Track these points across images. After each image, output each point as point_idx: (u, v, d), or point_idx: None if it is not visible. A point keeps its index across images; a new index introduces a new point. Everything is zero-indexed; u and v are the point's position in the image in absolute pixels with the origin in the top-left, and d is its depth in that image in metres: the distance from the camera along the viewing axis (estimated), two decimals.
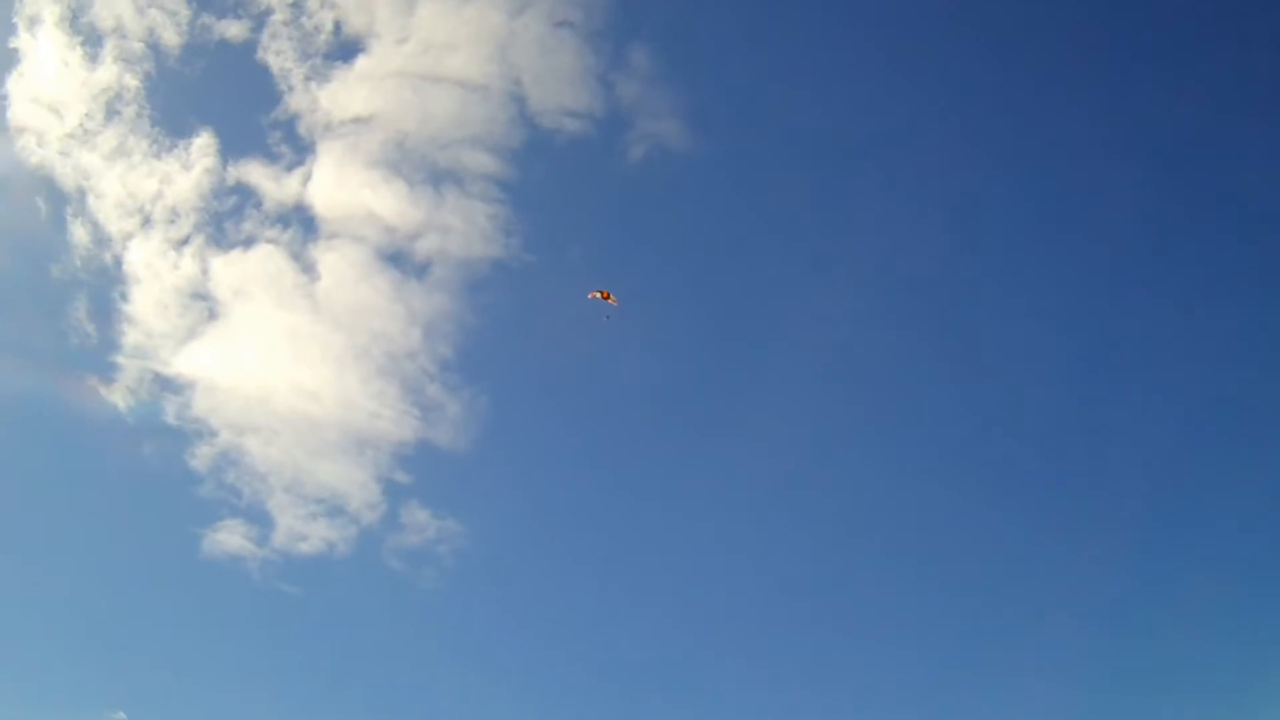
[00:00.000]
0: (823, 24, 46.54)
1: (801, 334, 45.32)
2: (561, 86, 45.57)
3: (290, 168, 46.48)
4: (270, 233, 46.49)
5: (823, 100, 45.44)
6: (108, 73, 47.20)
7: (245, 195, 46.59)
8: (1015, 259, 46.77)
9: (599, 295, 36.90)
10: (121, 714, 41.03)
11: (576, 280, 46.04)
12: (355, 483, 44.85)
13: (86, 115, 47.15)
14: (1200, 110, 44.25)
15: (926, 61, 45.46)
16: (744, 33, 46.06)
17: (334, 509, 44.73)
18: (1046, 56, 45.55)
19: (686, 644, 44.62)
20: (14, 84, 47.25)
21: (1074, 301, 46.47)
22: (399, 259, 46.03)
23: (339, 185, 45.95)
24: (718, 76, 45.76)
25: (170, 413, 45.75)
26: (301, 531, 44.67)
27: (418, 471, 45.17)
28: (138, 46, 47.20)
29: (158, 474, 47.00)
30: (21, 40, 47.61)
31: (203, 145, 46.82)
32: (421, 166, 45.95)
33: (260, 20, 46.82)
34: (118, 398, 46.03)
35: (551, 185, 46.52)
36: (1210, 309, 44.97)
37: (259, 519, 44.71)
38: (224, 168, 46.68)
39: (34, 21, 47.71)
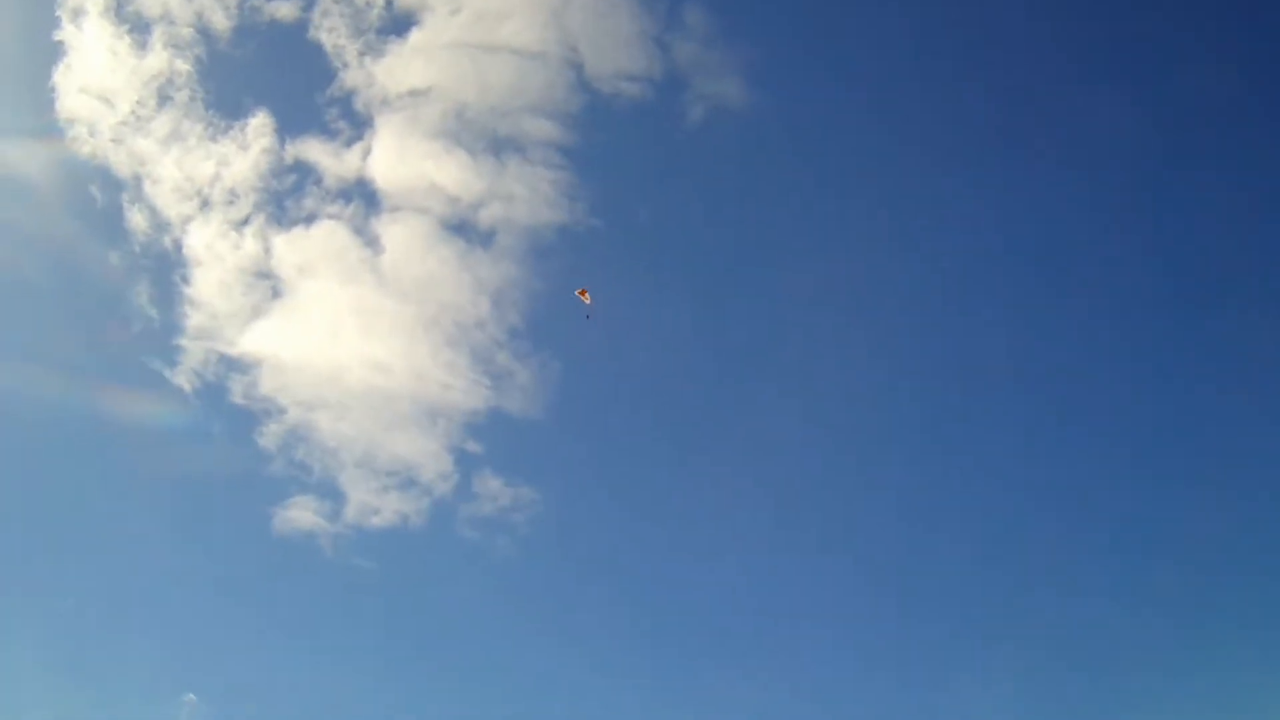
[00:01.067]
0: None
1: (865, 293, 45.43)
2: (617, 50, 45.94)
3: (349, 143, 46.61)
4: (332, 209, 46.57)
5: (879, 52, 45.33)
6: (158, 59, 47.20)
7: (305, 173, 46.64)
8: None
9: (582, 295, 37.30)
10: (192, 696, 40.88)
11: (642, 243, 46.57)
12: (427, 454, 44.81)
13: (138, 103, 47.10)
14: None
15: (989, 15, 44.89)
16: None
17: (406, 481, 44.60)
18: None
19: (766, 612, 44.42)
20: (61, 77, 47.08)
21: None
22: (463, 229, 46.19)
23: (399, 158, 46.11)
24: (772, 32, 46.04)
25: (237, 392, 45.59)
26: (374, 505, 44.55)
27: (490, 440, 45.13)
28: (186, 32, 47.21)
29: (226, 454, 46.69)
30: (66, 33, 47.39)
31: (259, 125, 46.90)
32: (482, 136, 46.19)
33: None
34: (183, 380, 45.91)
35: (613, 149, 46.83)
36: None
37: (331, 494, 44.54)
38: (282, 147, 46.74)
39: (78, 14, 47.54)
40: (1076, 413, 45.66)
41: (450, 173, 45.72)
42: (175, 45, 47.21)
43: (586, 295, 37.20)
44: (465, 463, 44.57)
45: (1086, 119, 45.48)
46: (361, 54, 46.55)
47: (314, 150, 46.61)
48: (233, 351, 45.62)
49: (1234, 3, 44.93)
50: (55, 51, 45.60)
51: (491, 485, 44.42)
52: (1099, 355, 45.74)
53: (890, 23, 46.45)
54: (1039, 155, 45.91)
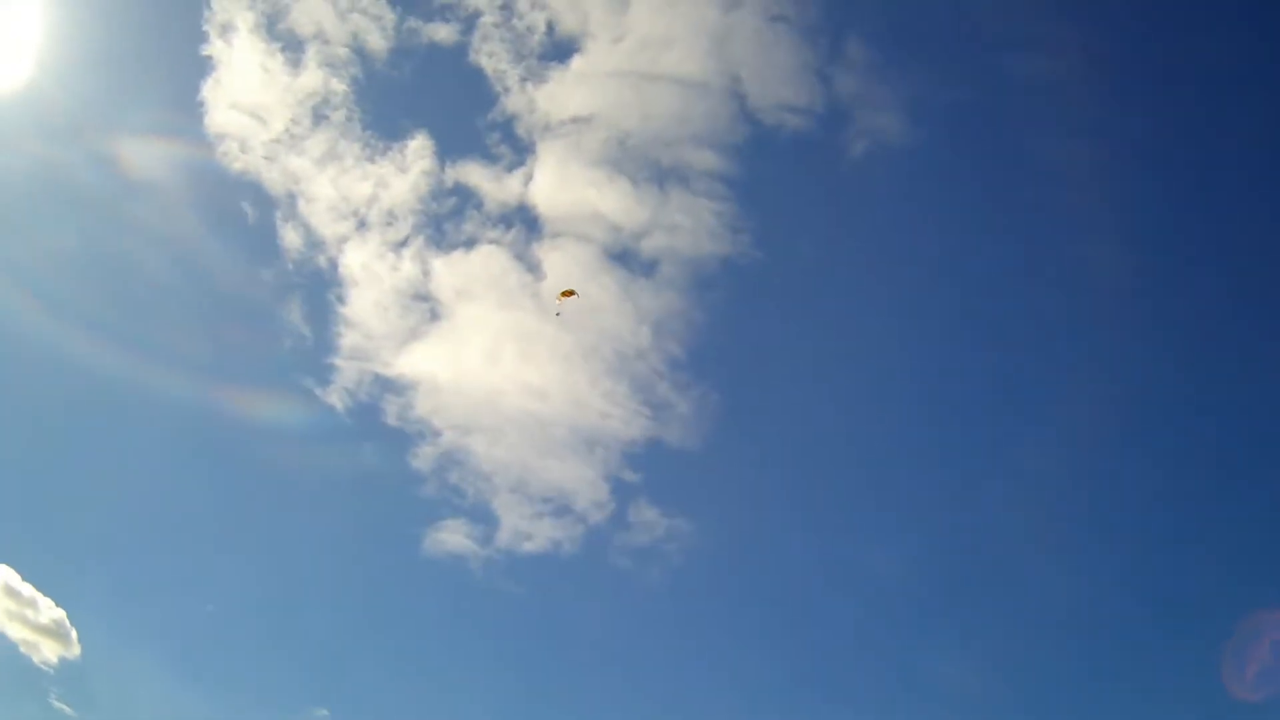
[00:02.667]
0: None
1: (1034, 325, 45.60)
2: (779, 81, 45.93)
3: (511, 168, 46.66)
4: (492, 233, 46.72)
5: (1042, 84, 45.32)
6: (312, 78, 47.09)
7: (465, 196, 46.71)
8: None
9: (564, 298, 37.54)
10: (325, 711, 41.39)
11: (806, 277, 46.74)
12: (583, 481, 45.16)
13: (292, 120, 47.06)
14: None
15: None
16: (960, 19, 45.95)
17: (561, 508, 44.94)
18: None
19: (921, 648, 44.40)
20: (210, 91, 47.03)
21: None
22: (625, 257, 46.33)
23: (561, 185, 46.17)
24: (936, 66, 45.93)
25: (391, 413, 45.93)
26: (526, 530, 44.93)
27: (647, 470, 45.41)
28: (342, 52, 47.09)
29: (377, 474, 47.18)
30: (215, 47, 47.24)
31: (418, 148, 46.91)
32: (645, 165, 46.25)
33: (469, 23, 46.82)
34: (335, 399, 46.23)
35: (776, 182, 46.79)
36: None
37: (483, 518, 44.98)
38: (442, 169, 46.82)
39: (226, 29, 47.38)
40: None
41: (612, 201, 45.90)
42: (330, 64, 47.15)
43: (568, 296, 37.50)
44: (621, 491, 44.99)
45: None
46: (523, 79, 46.61)
47: (475, 174, 46.73)
48: (388, 372, 45.96)
49: None
50: (203, 66, 45.62)
51: (647, 515, 44.84)
52: None
53: (1055, 50, 46.09)
54: None
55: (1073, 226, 46.44)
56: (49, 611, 41.53)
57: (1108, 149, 47.05)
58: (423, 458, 45.62)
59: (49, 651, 41.26)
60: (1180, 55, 44.36)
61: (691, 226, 45.92)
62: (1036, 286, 46.52)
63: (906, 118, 45.60)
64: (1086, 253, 46.85)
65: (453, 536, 45.05)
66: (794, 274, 46.90)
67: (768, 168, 46.46)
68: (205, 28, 46.91)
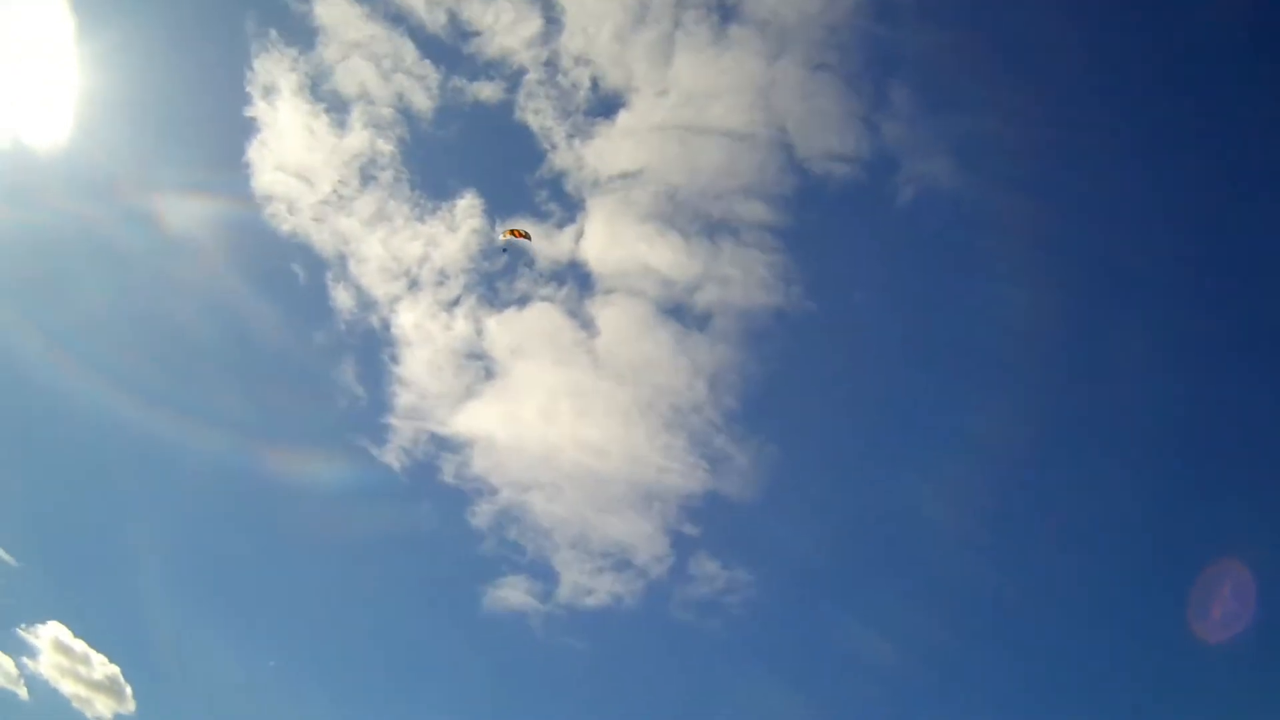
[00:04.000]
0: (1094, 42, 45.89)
1: (1082, 361, 45.53)
2: (826, 130, 46.03)
3: (561, 225, 46.87)
4: (545, 290, 46.91)
5: (1085, 123, 45.24)
6: (358, 139, 47.42)
7: (516, 254, 46.86)
8: None
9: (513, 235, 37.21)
10: None
11: (857, 326, 46.79)
12: (643, 536, 45.35)
13: (340, 182, 47.44)
14: None
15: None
16: (1006, 59, 45.89)
17: (621, 562, 45.14)
18: None
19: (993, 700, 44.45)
20: (255, 152, 47.39)
21: None
22: (679, 311, 46.47)
23: (612, 240, 46.38)
24: (981, 109, 45.86)
25: (448, 472, 46.27)
26: (587, 586, 45.16)
27: (706, 523, 45.58)
28: (387, 112, 47.39)
29: (436, 532, 47.69)
30: (258, 109, 47.60)
31: (467, 206, 47.09)
32: (695, 218, 46.41)
33: (514, 81, 47.05)
34: (391, 458, 46.52)
35: (826, 231, 46.94)
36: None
37: (543, 574, 45.30)
38: (492, 228, 46.96)
39: (269, 90, 47.68)
40: None
41: (664, 255, 46.05)
42: (376, 125, 47.46)
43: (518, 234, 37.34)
44: (682, 545, 45.20)
45: None
46: (570, 136, 46.78)
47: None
48: (444, 431, 46.23)
49: None
50: (248, 128, 46.01)
51: (708, 568, 45.02)
52: None
53: (1095, 88, 46.01)
54: None
55: (1123, 270, 46.41)
56: (102, 668, 42.28)
57: (1163, 191, 46.90)
58: (481, 515, 46.00)
59: (103, 708, 42.00)
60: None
61: (743, 278, 46.13)
62: (1091, 328, 46.24)
63: (954, 162, 45.63)
64: (1141, 296, 46.81)
65: (513, 593, 45.44)
66: (846, 323, 46.98)
67: (817, 217, 46.63)
68: (248, 89, 47.39)
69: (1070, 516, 45.09)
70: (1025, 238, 46.65)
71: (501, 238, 40.62)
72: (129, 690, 42.05)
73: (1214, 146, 45.54)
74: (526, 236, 40.02)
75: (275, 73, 47.69)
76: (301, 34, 46.99)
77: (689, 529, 45.37)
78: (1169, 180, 46.54)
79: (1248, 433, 43.80)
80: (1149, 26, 45.42)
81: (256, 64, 47.30)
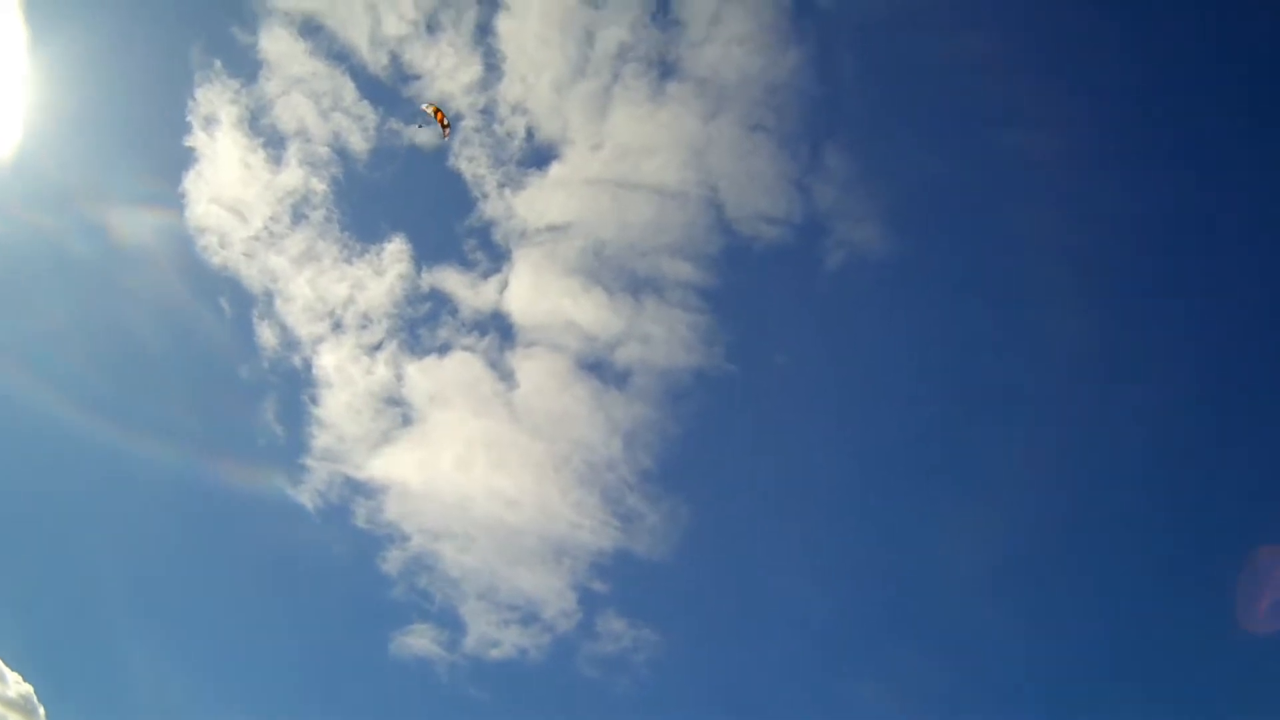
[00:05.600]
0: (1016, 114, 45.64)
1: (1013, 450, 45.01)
2: (757, 192, 45.67)
3: (486, 275, 46.63)
4: (467, 340, 46.62)
5: (1023, 195, 44.81)
6: (292, 176, 47.17)
7: (440, 302, 46.70)
8: None
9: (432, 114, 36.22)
10: None
11: (778, 391, 46.34)
12: (552, 590, 45.01)
13: (272, 218, 47.13)
14: None
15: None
16: (940, 131, 45.54)
17: (528, 616, 44.87)
18: None
19: None
20: (191, 183, 47.25)
21: None
22: (599, 368, 46.16)
23: (537, 293, 46.08)
24: (915, 177, 45.44)
25: (361, 516, 45.97)
26: (494, 637, 44.86)
27: (615, 580, 45.31)
28: (323, 151, 47.15)
29: (346, 576, 47.48)
30: (197, 139, 47.44)
31: (395, 251, 46.87)
32: (620, 274, 46.10)
33: (451, 126, 46.60)
34: (306, 499, 46.29)
35: (751, 294, 46.52)
36: None
37: (451, 624, 45.02)
38: (418, 274, 46.76)
39: (210, 121, 47.52)
40: None
41: (587, 310, 45.74)
42: (311, 163, 47.21)
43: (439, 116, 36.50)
44: (590, 601, 44.96)
45: None
46: (501, 185, 46.55)
47: (450, 280, 46.72)
48: (359, 475, 45.99)
49: None
50: (186, 158, 45.83)
51: (615, 625, 44.71)
52: None
53: (1036, 164, 45.61)
54: None
55: (1051, 341, 45.89)
56: (16, 686, 42.01)
57: (1094, 260, 46.51)
58: (392, 561, 45.76)
59: None
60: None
61: (665, 337, 45.77)
62: (1013, 400, 45.73)
63: (885, 229, 45.16)
64: (1068, 364, 46.36)
65: (420, 641, 45.25)
66: (767, 388, 46.51)
67: (743, 279, 46.26)
68: (189, 118, 47.31)
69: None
70: (953, 305, 46.39)
71: (427, 108, 39.14)
72: (42, 711, 41.86)
73: (1157, 200, 45.29)
74: (446, 127, 38.69)
75: (217, 104, 47.51)
76: (245, 66, 46.82)
77: (598, 586, 45.17)
78: (1096, 249, 46.11)
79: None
80: (1077, 98, 44.91)
81: (199, 94, 47.22)
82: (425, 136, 37.48)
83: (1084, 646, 43.08)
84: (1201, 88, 43.35)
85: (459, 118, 46.81)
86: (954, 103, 45.86)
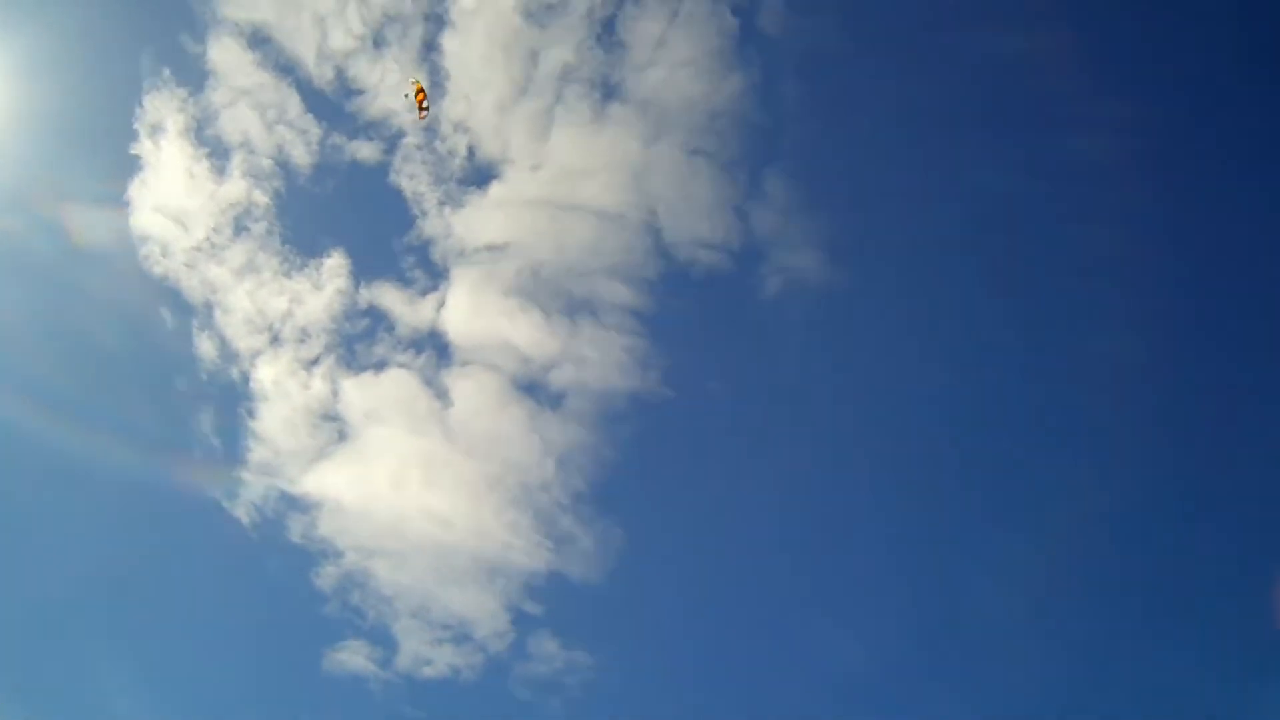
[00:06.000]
0: (960, 147, 45.68)
1: (946, 474, 45.06)
2: (697, 217, 45.63)
3: (424, 293, 46.55)
4: (403, 357, 46.54)
5: (967, 227, 44.85)
6: (236, 188, 47.27)
7: (378, 319, 46.64)
8: None
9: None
10: None
11: (712, 416, 46.35)
12: (484, 610, 44.99)
13: (214, 229, 47.18)
14: None
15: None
16: (883, 158, 45.51)
17: (461, 635, 44.82)
18: None
19: None
20: (136, 190, 47.40)
21: None
22: (534, 389, 46.08)
23: (473, 312, 46.02)
24: (856, 205, 45.45)
25: (296, 531, 45.83)
26: (426, 656, 44.85)
27: (548, 602, 45.09)
28: (266, 163, 47.24)
29: (280, 590, 47.16)
30: (143, 147, 47.62)
31: (334, 266, 46.85)
32: (557, 296, 46.06)
33: (393, 143, 46.84)
34: (241, 512, 46.27)
35: (688, 318, 46.42)
36: None
37: (383, 641, 44.94)
38: (356, 290, 46.73)
39: (156, 130, 47.69)
40: None
41: (523, 331, 45.73)
42: (254, 175, 47.30)
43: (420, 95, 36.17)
44: (522, 622, 44.87)
45: None
46: (441, 203, 46.51)
47: (388, 297, 46.65)
48: (294, 490, 45.96)
49: None
50: (131, 165, 46.07)
51: (548, 647, 44.65)
52: None
53: (978, 194, 45.64)
54: None
55: (984, 367, 45.94)
56: None
57: (1039, 293, 46.52)
58: (325, 577, 45.68)
59: None
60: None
61: (600, 360, 45.68)
62: (947, 428, 45.76)
63: (823, 257, 45.15)
64: (997, 387, 46.38)
65: (353, 657, 45.20)
66: (700, 413, 46.51)
67: (680, 303, 46.19)
68: (136, 125, 47.44)
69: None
70: (891, 336, 46.41)
71: (411, 83, 38.65)
72: None
73: (1089, 231, 45.01)
74: (425, 110, 38.24)
75: (164, 112, 47.73)
76: (193, 75, 47.09)
77: (531, 607, 45.13)
78: (1044, 283, 46.10)
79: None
80: (1022, 133, 44.92)
81: (147, 101, 47.46)
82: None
83: None
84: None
85: (401, 134, 46.85)
86: (897, 134, 45.86)
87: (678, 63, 45.21)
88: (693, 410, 46.28)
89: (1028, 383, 45.49)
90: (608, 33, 45.49)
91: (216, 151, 47.31)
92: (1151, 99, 43.48)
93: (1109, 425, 43.19)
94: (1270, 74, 42.20)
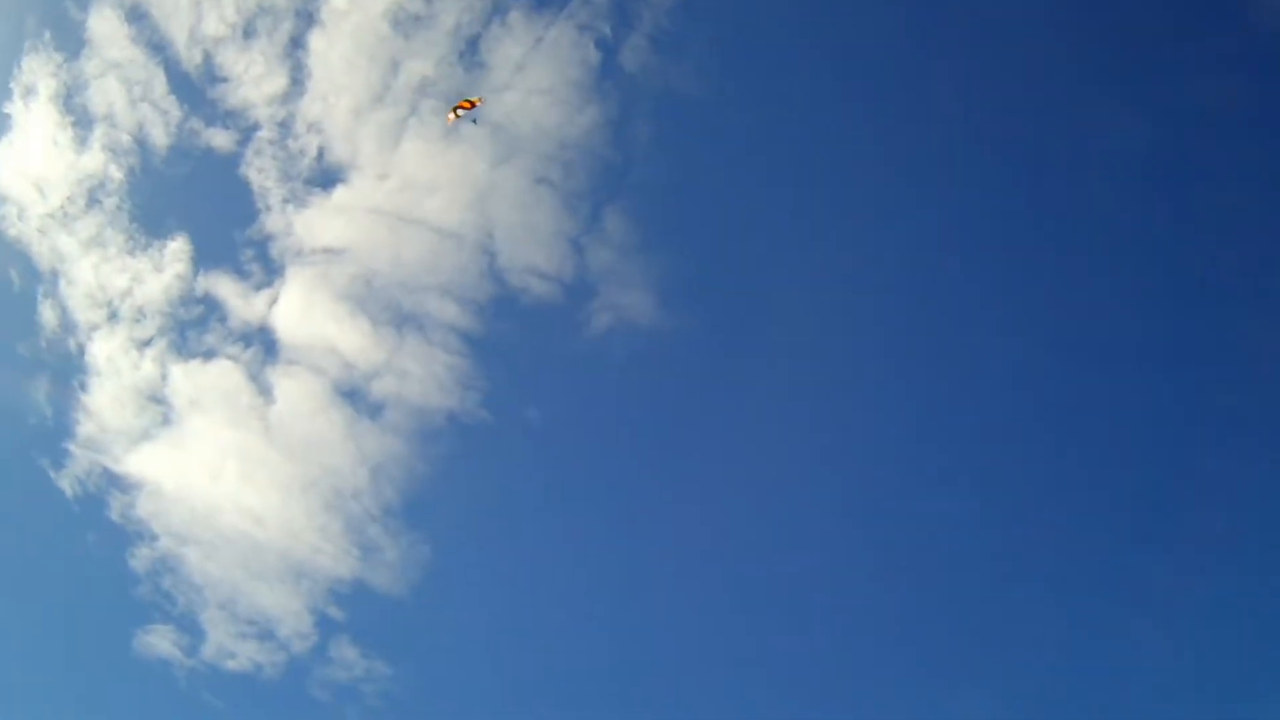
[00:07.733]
0: (809, 206, 45.44)
1: (760, 520, 45.13)
2: (534, 245, 45.68)
3: (258, 287, 46.79)
4: (232, 349, 46.82)
5: (801, 283, 44.71)
6: (94, 159, 47.61)
7: (211, 307, 46.93)
8: None
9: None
10: None
11: (527, 444, 46.51)
12: (289, 611, 45.62)
13: (68, 199, 47.60)
14: None
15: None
16: (728, 206, 45.29)
17: (265, 632, 45.58)
18: None
19: None
20: (2, 150, 47.76)
21: None
22: (355, 396, 46.35)
23: (304, 313, 46.25)
24: (694, 251, 45.28)
25: (115, 509, 46.53)
26: (231, 649, 45.57)
27: (351, 609, 45.66)
28: (126, 139, 47.53)
29: (95, 566, 47.84)
30: (15, 107, 48.08)
31: (176, 250, 47.17)
32: (387, 306, 46.25)
33: (247, 134, 46.94)
34: (65, 484, 46.94)
35: (513, 344, 46.48)
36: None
37: (190, 629, 45.80)
38: (194, 276, 47.04)
39: (29, 91, 48.14)
40: None
41: (350, 337, 45.96)
42: (113, 150, 47.60)
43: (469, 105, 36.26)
44: (325, 626, 45.49)
45: None
46: (285, 200, 46.63)
47: (224, 287, 46.94)
48: (116, 468, 46.58)
49: None
50: (2, 125, 46.79)
51: (348, 653, 45.27)
52: None
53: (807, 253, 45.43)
54: None
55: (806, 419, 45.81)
56: None
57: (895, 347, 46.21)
58: (140, 559, 46.45)
59: None
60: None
61: (423, 375, 45.90)
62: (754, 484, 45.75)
63: (654, 299, 45.03)
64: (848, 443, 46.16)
65: (161, 641, 46.01)
66: (516, 439, 46.67)
67: (507, 329, 46.28)
68: (11, 85, 47.80)
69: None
70: (717, 382, 46.41)
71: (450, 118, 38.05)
72: None
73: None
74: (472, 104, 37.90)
75: (39, 75, 48.14)
76: (71, 41, 47.36)
77: (334, 612, 45.72)
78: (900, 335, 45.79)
79: None
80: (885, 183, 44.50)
81: (25, 61, 47.76)
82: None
83: None
84: None
85: (257, 127, 46.84)
86: (745, 183, 45.59)
87: (535, 89, 45.10)
88: (509, 435, 46.56)
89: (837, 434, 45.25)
90: (470, 51, 45.40)
91: (81, 121, 47.74)
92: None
93: None
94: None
